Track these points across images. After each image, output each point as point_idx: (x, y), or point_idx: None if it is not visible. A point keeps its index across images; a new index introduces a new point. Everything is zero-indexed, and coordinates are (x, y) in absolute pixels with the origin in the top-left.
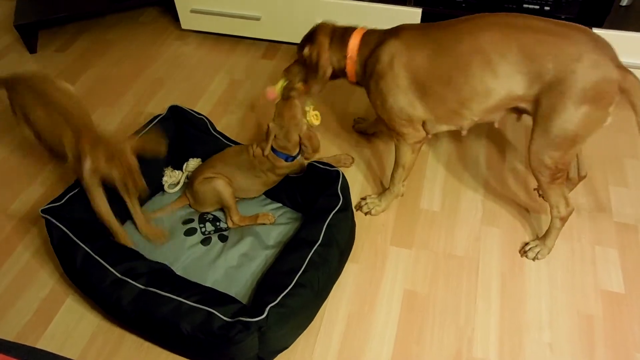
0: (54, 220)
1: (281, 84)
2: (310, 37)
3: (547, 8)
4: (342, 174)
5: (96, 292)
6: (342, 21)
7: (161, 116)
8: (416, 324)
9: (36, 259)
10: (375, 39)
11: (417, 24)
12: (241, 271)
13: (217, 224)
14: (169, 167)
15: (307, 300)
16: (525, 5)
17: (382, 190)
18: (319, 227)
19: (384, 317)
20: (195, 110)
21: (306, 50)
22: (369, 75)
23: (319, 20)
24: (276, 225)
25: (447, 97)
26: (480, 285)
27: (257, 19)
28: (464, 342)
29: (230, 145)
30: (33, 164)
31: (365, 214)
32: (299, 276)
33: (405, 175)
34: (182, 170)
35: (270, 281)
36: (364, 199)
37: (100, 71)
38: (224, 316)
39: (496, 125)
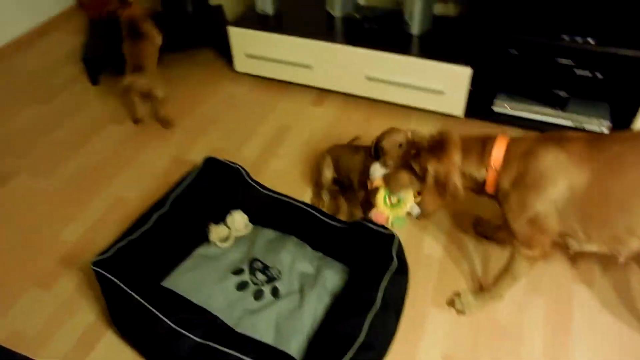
0: (105, 273)
1: (383, 197)
2: (435, 151)
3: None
4: (397, 237)
5: (149, 343)
6: (386, 74)
7: (198, 168)
8: None
9: (79, 292)
10: (526, 147)
11: (579, 133)
12: (293, 324)
13: (267, 272)
14: (212, 223)
15: None
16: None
17: (479, 288)
18: (374, 288)
19: None
20: (242, 152)
21: (432, 167)
22: (513, 185)
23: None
24: (326, 275)
25: (612, 221)
26: (523, 355)
27: (309, 67)
28: None
29: (267, 195)
30: (87, 194)
31: (457, 311)
32: (361, 343)
33: (512, 286)
34: (225, 224)
35: (327, 341)
36: (458, 294)
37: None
38: None
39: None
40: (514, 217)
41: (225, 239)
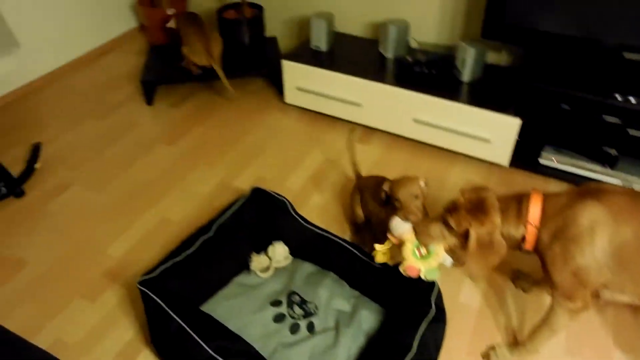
0: (150, 293)
1: (412, 249)
2: (475, 212)
3: None
4: (437, 284)
5: None
6: (433, 118)
7: (245, 197)
8: None
9: (120, 308)
10: (563, 203)
11: (617, 187)
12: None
13: (305, 307)
14: (254, 253)
15: None
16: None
17: (515, 341)
18: (411, 334)
19: None
20: (286, 183)
21: (474, 230)
22: (554, 238)
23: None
24: (362, 314)
25: None
26: None
27: (358, 105)
28: None
29: (309, 228)
30: (134, 211)
31: None
32: None
33: (550, 339)
34: (267, 254)
35: None
36: (493, 348)
37: (205, 130)
38: None
39: None
40: (556, 270)
41: (266, 269)
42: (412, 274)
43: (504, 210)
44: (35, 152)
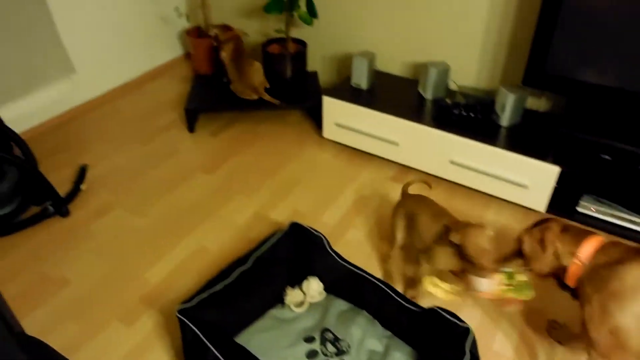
0: (188, 322)
1: (506, 290)
2: (536, 231)
3: None
4: (472, 331)
5: None
6: (470, 161)
7: (283, 231)
8: None
9: (156, 334)
10: (618, 254)
11: None
12: None
13: (337, 344)
14: (289, 287)
15: None
16: None
17: None
18: None
19: None
20: (321, 217)
21: (530, 244)
22: (594, 288)
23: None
24: (394, 356)
25: None
26: None
27: (395, 143)
28: None
29: (343, 265)
30: (172, 238)
31: None
32: None
33: None
34: (301, 288)
35: None
36: None
37: (244, 160)
38: None
39: None
40: (593, 325)
41: (300, 304)
42: (514, 304)
43: (564, 230)
44: (82, 173)
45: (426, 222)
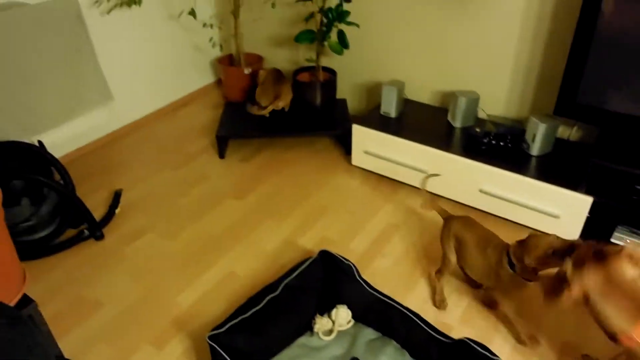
0: (218, 349)
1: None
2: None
3: None
4: None
5: None
6: (500, 190)
7: (312, 259)
8: None
9: (185, 357)
10: None
11: None
12: None
13: None
14: (318, 315)
15: None
16: None
17: None
18: None
19: None
20: (350, 245)
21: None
22: None
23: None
24: None
25: None
26: None
27: (425, 172)
28: None
29: (372, 294)
30: (202, 263)
31: None
32: None
33: None
34: (330, 316)
35: None
36: None
37: (273, 186)
38: None
39: None
40: None
41: (329, 332)
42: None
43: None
44: (116, 198)
45: (475, 245)
